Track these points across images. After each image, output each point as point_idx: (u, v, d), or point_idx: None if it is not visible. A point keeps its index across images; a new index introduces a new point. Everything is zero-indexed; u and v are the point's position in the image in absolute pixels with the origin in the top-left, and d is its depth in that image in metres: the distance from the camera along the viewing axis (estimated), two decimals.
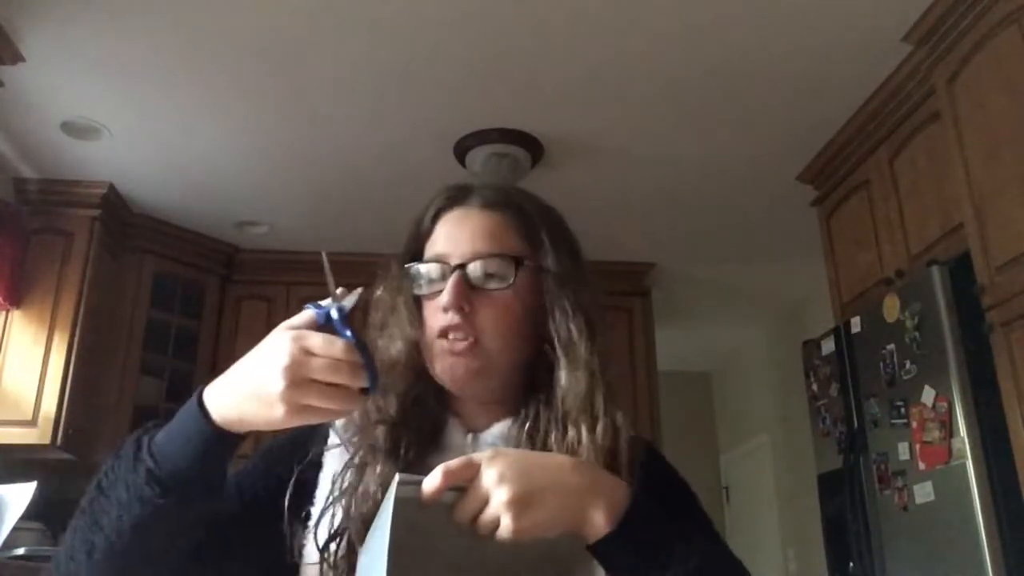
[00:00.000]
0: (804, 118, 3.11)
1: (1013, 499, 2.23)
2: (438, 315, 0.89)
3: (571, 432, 0.86)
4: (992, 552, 2.23)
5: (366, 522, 0.81)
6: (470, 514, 0.71)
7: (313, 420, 0.74)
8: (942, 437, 2.41)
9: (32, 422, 3.25)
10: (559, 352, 0.89)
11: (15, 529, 2.09)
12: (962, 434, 2.34)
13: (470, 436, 0.91)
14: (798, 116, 3.10)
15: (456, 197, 0.96)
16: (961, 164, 2.44)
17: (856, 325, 2.92)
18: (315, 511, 0.87)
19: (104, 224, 3.63)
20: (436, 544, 0.72)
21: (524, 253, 0.92)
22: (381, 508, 0.74)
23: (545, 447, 0.86)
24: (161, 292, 3.94)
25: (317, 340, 0.72)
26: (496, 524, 0.71)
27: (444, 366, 0.89)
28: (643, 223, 4.02)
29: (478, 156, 3.28)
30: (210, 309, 4.12)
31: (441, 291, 0.89)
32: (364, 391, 0.73)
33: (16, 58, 2.71)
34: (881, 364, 2.74)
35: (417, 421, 0.91)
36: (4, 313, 3.36)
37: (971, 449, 2.31)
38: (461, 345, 0.88)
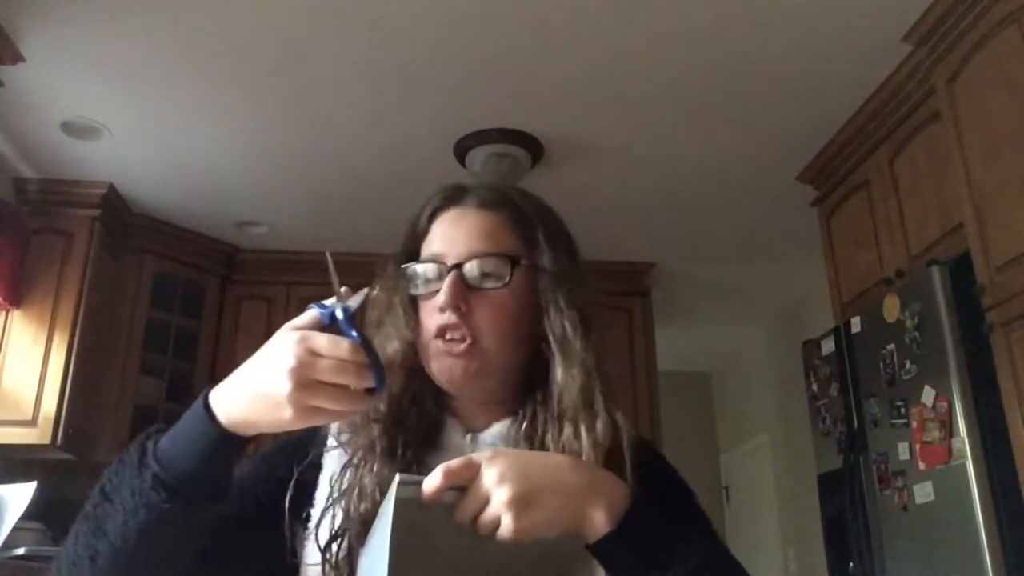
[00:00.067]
0: (804, 118, 3.11)
1: (1013, 499, 2.23)
2: (435, 315, 0.89)
3: (567, 430, 0.86)
4: (992, 552, 2.23)
5: (366, 523, 0.81)
6: (470, 514, 0.71)
7: (320, 421, 0.74)
8: (942, 437, 2.41)
9: (32, 422, 3.25)
10: (554, 349, 0.89)
11: (15, 529, 2.08)
12: (962, 434, 2.34)
13: (469, 436, 0.91)
14: (798, 116, 3.10)
15: (452, 197, 0.96)
16: (961, 164, 2.44)
17: (856, 325, 2.92)
18: (315, 512, 0.87)
19: (104, 224, 3.63)
20: (436, 544, 0.72)
21: (520, 252, 0.92)
22: (381, 509, 0.74)
23: (543, 446, 0.86)
24: (161, 292, 3.94)
25: (323, 341, 0.71)
26: (496, 524, 0.71)
27: (442, 367, 0.89)
28: (643, 223, 4.02)
29: (478, 156, 3.28)
30: (210, 309, 4.12)
31: (437, 291, 0.89)
32: (370, 391, 0.73)
33: (16, 58, 2.71)
34: (881, 364, 2.74)
35: (415, 421, 0.91)
36: (4, 313, 3.36)
37: (971, 449, 2.31)
38: (459, 347, 0.88)
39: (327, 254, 0.80)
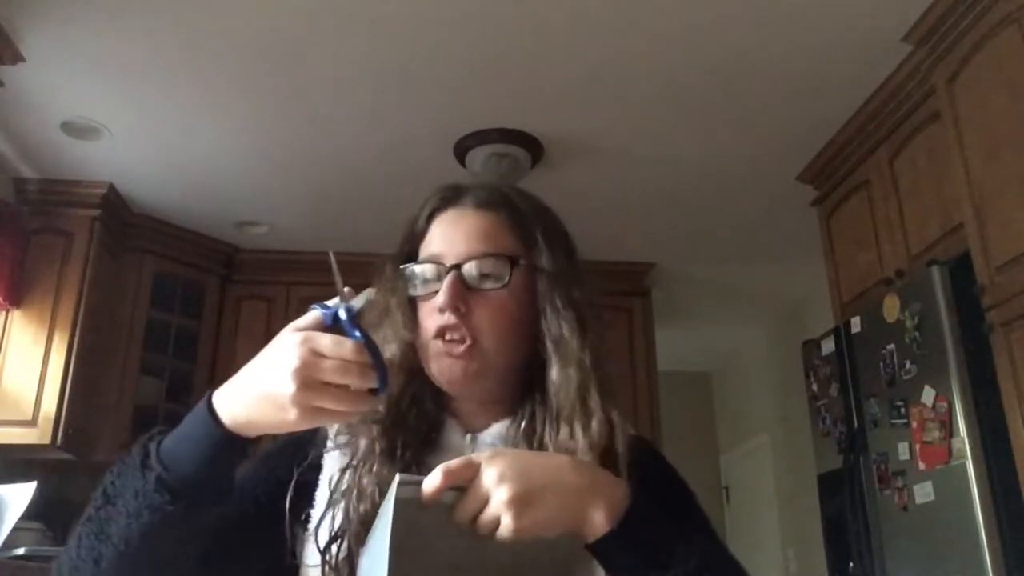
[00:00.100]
0: (804, 118, 3.11)
1: (1013, 499, 2.23)
2: (434, 316, 0.89)
3: (564, 430, 0.86)
4: (992, 552, 2.23)
5: (365, 523, 0.81)
6: (470, 514, 0.71)
7: (324, 422, 0.74)
8: (942, 437, 2.41)
9: (32, 422, 3.25)
10: (550, 349, 0.89)
11: (15, 529, 2.08)
12: (962, 434, 2.34)
13: (468, 436, 0.91)
14: (798, 116, 3.10)
15: (450, 197, 0.96)
16: (961, 164, 2.44)
17: (856, 325, 2.92)
18: (315, 513, 0.87)
19: (104, 224, 3.63)
20: (436, 544, 0.72)
21: (519, 252, 0.92)
22: (381, 509, 0.74)
23: (541, 446, 0.86)
24: (161, 292, 3.94)
25: (326, 341, 0.71)
26: (496, 524, 0.71)
27: (441, 368, 0.89)
28: (643, 223, 4.02)
29: (478, 156, 3.28)
30: (210, 309, 4.11)
31: (436, 292, 0.89)
32: (373, 391, 0.73)
33: (16, 58, 2.71)
34: (881, 364, 2.74)
35: (414, 422, 0.90)
36: (4, 313, 3.36)
37: (971, 449, 2.31)
38: (459, 348, 0.87)
39: (330, 254, 0.80)
